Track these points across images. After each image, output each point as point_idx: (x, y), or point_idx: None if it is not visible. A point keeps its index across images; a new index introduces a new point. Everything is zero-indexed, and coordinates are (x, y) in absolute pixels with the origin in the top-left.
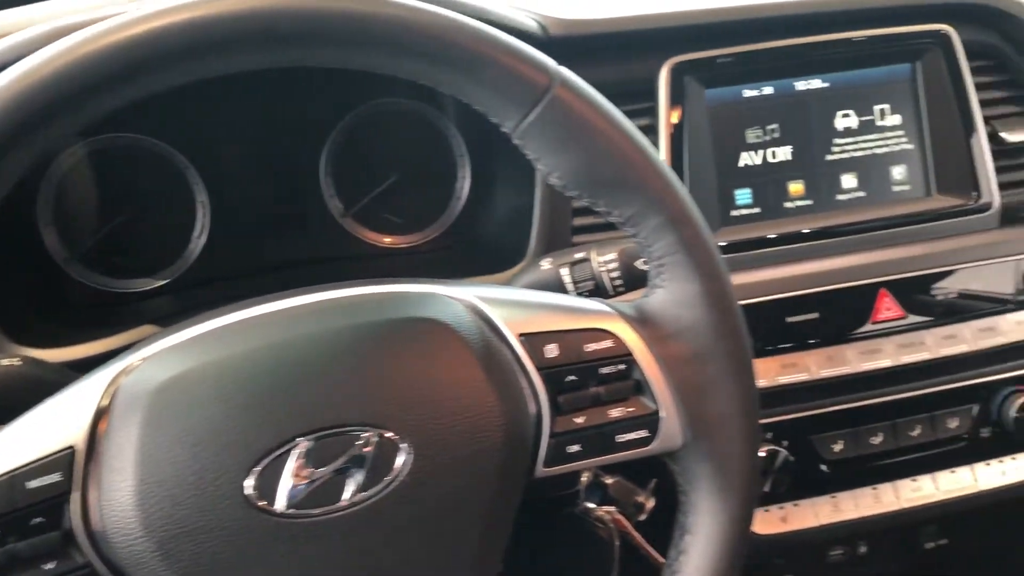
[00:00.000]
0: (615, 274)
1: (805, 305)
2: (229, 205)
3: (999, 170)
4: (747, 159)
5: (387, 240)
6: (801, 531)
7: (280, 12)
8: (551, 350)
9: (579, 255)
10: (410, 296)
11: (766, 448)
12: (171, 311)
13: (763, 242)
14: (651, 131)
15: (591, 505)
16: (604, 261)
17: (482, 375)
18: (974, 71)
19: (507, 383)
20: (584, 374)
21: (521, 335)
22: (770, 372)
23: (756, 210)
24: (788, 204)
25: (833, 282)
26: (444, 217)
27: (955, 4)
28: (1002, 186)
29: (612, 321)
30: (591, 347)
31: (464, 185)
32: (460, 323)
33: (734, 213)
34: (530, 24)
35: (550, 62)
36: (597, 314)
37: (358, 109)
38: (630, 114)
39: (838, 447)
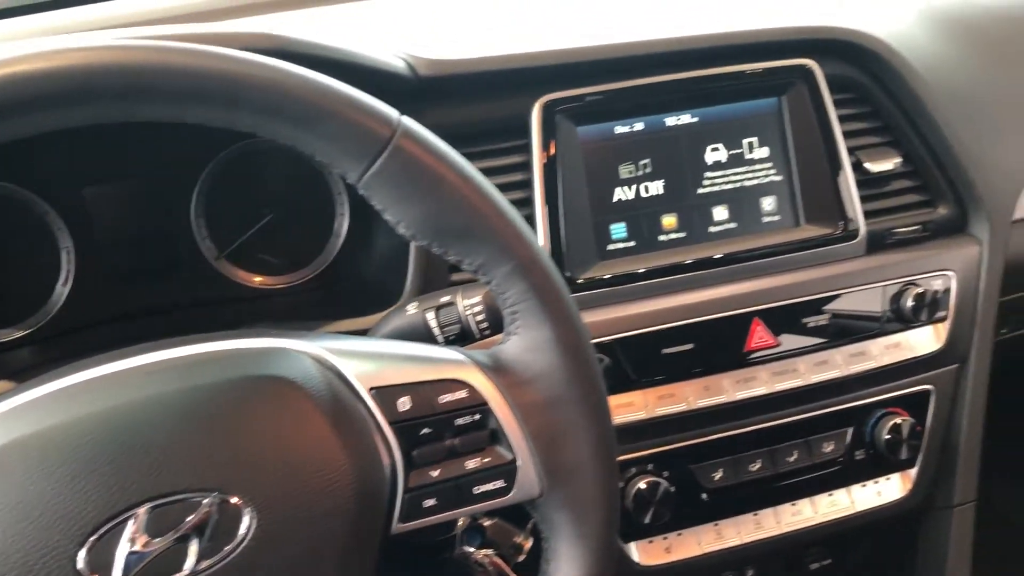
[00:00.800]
0: (480, 317)
1: (681, 336)
2: (96, 251)
3: (864, 199)
4: (621, 194)
5: (259, 280)
6: (686, 560)
7: (101, 68)
8: (404, 403)
9: (445, 299)
10: (254, 352)
11: (647, 480)
12: (34, 363)
13: (639, 275)
14: (525, 168)
15: (470, 549)
16: (470, 304)
17: (331, 433)
18: (837, 104)
19: (358, 440)
20: (439, 426)
21: (372, 389)
22: (648, 403)
23: (631, 244)
24: (662, 237)
25: (707, 313)
26: (322, 256)
27: (817, 40)
28: (867, 214)
29: (467, 370)
30: (445, 398)
31: (343, 223)
32: (308, 379)
33: (610, 247)
34: (398, 65)
35: (392, 112)
36: (451, 364)
37: (231, 147)
38: (504, 152)
39: (718, 475)
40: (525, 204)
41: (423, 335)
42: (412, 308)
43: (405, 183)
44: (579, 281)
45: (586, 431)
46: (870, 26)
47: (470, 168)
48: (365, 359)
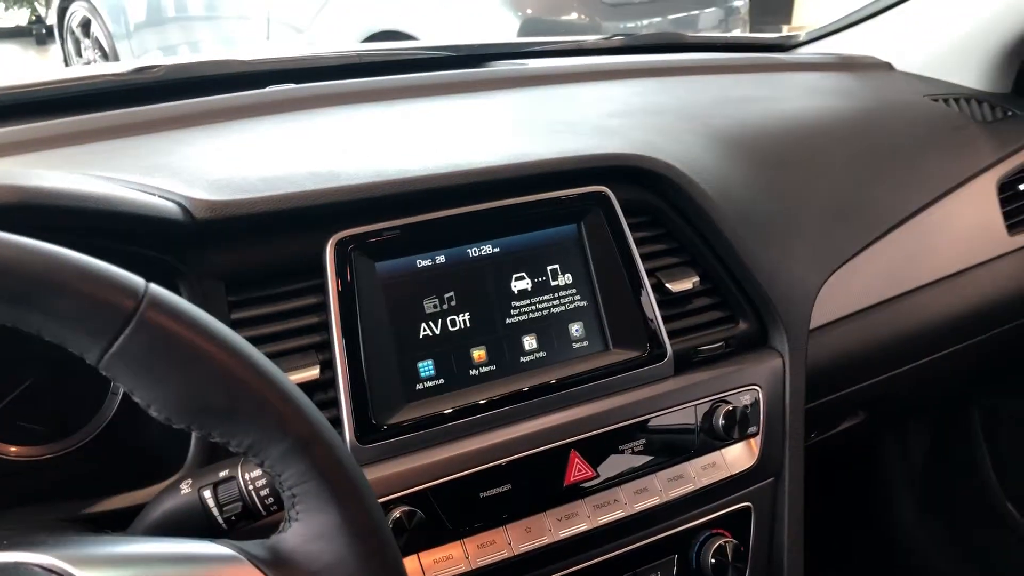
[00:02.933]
0: (265, 492)
1: (499, 477)
2: None
3: (667, 319)
4: (427, 329)
5: (16, 451)
6: None
7: None
8: None
9: (223, 472)
10: None
11: None
12: None
13: (450, 415)
14: (322, 309)
15: None
16: (253, 478)
17: None
18: (633, 227)
19: None
20: None
21: None
22: (469, 554)
23: (440, 381)
24: (472, 372)
25: (524, 449)
26: (95, 420)
27: (610, 167)
28: (672, 334)
29: (239, 569)
30: None
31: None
32: None
33: (418, 387)
34: (170, 208)
35: (136, 281)
36: (221, 562)
37: None
38: (297, 293)
39: None
40: (323, 348)
41: (200, 517)
42: (185, 487)
43: (154, 361)
44: (385, 427)
45: None
46: (658, 151)
47: (232, 337)
48: (114, 568)
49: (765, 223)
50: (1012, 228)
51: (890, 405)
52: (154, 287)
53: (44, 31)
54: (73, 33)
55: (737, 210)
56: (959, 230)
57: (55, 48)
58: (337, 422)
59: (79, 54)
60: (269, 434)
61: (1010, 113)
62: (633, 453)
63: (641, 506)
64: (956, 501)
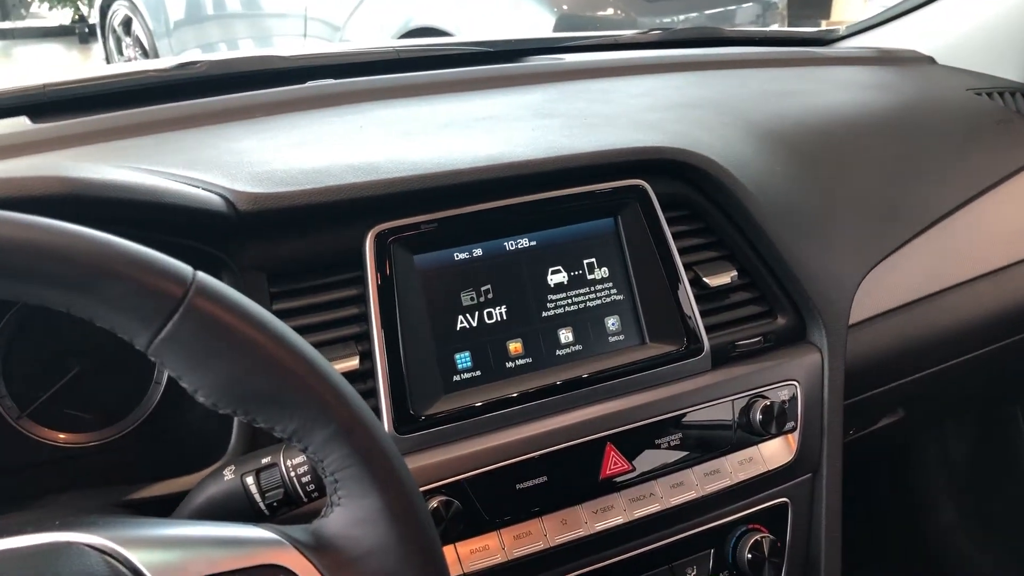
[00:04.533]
0: (307, 479)
1: (535, 469)
2: None
3: (705, 313)
4: (464, 322)
5: (65, 438)
6: None
7: None
8: None
9: (266, 459)
10: (30, 553)
11: None
12: None
13: (487, 407)
14: (361, 301)
15: None
16: (294, 464)
17: None
18: (671, 221)
19: None
20: None
21: None
22: (505, 546)
23: (477, 373)
24: (508, 364)
25: (560, 441)
26: (140, 408)
27: (647, 160)
28: (709, 328)
29: (283, 553)
30: None
31: (163, 369)
32: None
33: (456, 378)
34: (214, 201)
35: (184, 269)
36: (264, 545)
37: None
38: (337, 285)
39: None
40: (363, 339)
41: (242, 503)
42: (228, 473)
43: (201, 347)
44: (423, 418)
45: None
46: (697, 144)
47: (277, 324)
48: (162, 548)
49: (804, 218)
50: None
51: (929, 403)
52: (202, 275)
53: (87, 30)
54: (115, 31)
55: (776, 204)
56: (1002, 226)
57: (97, 47)
58: (376, 412)
59: (120, 52)
60: (313, 420)
61: None
62: (669, 447)
63: (677, 500)
64: (996, 503)
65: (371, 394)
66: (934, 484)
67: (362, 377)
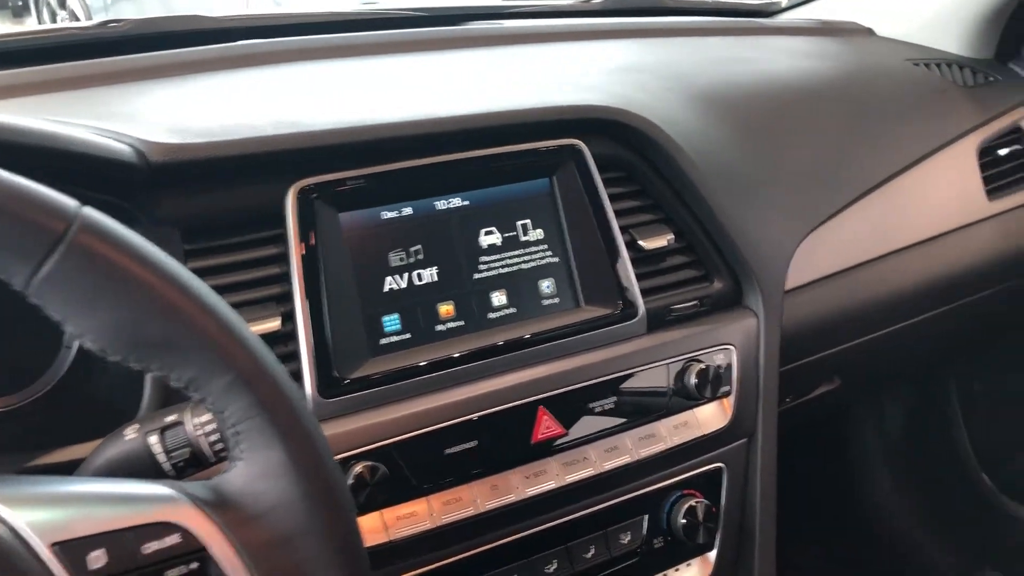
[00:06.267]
0: (214, 437)
1: (465, 433)
2: None
3: (641, 277)
4: (392, 283)
5: None
6: None
7: None
8: (96, 558)
9: (171, 418)
10: None
11: None
12: None
13: (415, 370)
14: (283, 260)
15: None
16: (201, 423)
17: None
18: (608, 182)
19: None
20: None
21: (55, 544)
22: (433, 511)
23: (406, 336)
24: (439, 327)
25: (491, 405)
26: (51, 372)
27: (584, 121)
28: (645, 292)
29: (180, 510)
30: (151, 547)
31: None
32: None
33: (383, 341)
34: (124, 151)
35: (68, 203)
36: (160, 502)
37: None
38: (260, 242)
39: None
40: (285, 300)
41: (146, 464)
42: (131, 432)
43: (87, 287)
44: (348, 381)
45: (336, 568)
46: (636, 106)
47: (172, 264)
48: (47, 506)
49: (742, 183)
50: (991, 193)
51: (865, 371)
52: (88, 210)
53: (20, 2)
54: (49, 4)
55: (715, 168)
56: (938, 194)
57: (31, 21)
58: (298, 375)
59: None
60: (210, 367)
61: (991, 78)
62: (604, 412)
63: (611, 465)
64: (931, 472)
65: (293, 357)
66: (871, 455)
67: (283, 339)
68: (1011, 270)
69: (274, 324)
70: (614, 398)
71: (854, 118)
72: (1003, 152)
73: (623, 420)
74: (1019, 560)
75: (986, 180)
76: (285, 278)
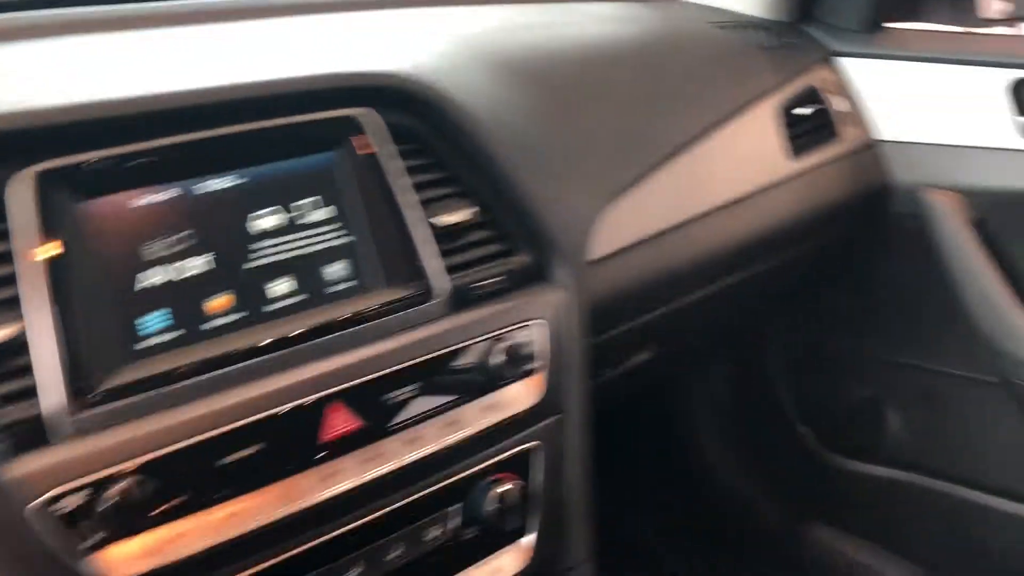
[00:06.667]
0: None
1: (244, 439)
2: None
3: (442, 254)
4: (153, 277)
5: None
6: None
7: None
8: None
9: None
10: None
11: None
12: None
13: (182, 373)
14: (7, 260)
15: None
16: None
17: None
18: (400, 155)
19: None
20: None
21: None
22: (214, 527)
23: (171, 336)
24: (211, 323)
25: (275, 405)
26: None
27: (369, 88)
28: (449, 269)
29: None
30: None
31: None
32: None
33: (142, 345)
34: None
35: None
36: None
37: None
38: None
39: None
40: (11, 305)
41: None
42: None
43: None
44: (99, 393)
45: None
46: (425, 72)
47: None
48: None
49: (543, 151)
50: (794, 152)
51: (681, 338)
52: None
53: None
54: None
55: (514, 138)
56: (743, 155)
57: None
58: (30, 391)
59: None
60: None
61: (791, 40)
62: (404, 401)
63: (414, 456)
64: (758, 431)
65: (26, 371)
66: (700, 418)
67: (14, 351)
68: (816, 227)
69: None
70: (415, 386)
71: (657, 82)
72: (802, 112)
73: (426, 408)
74: (845, 509)
75: (788, 139)
76: (11, 281)
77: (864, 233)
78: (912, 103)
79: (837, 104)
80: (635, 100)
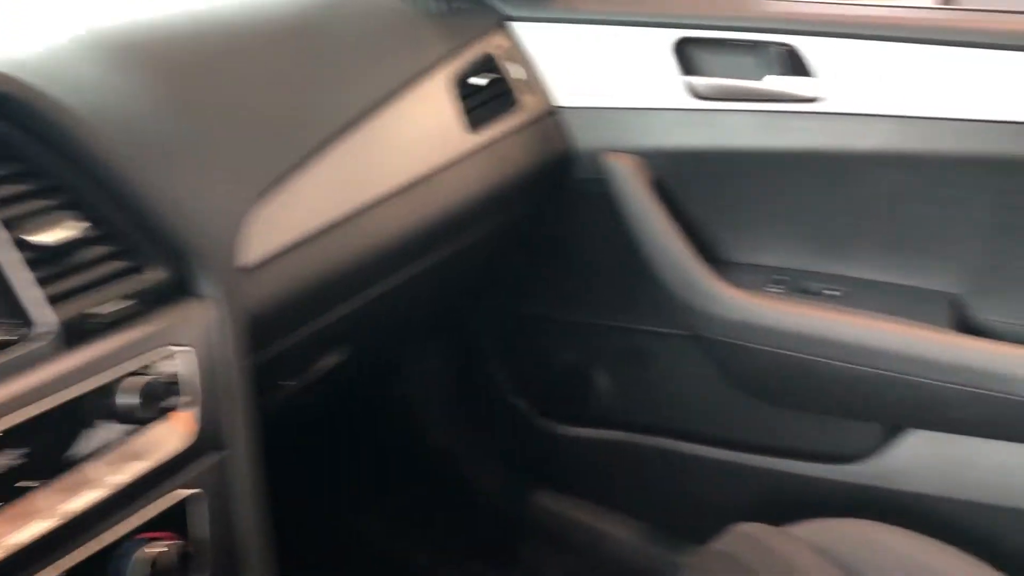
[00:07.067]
0: None
1: None
2: None
3: (44, 281)
4: None
5: None
6: None
7: None
8: None
9: None
10: None
11: None
12: None
13: None
14: None
15: None
16: None
17: None
18: None
19: None
20: None
21: None
22: None
23: None
24: None
25: None
26: None
27: None
28: (54, 300)
29: None
30: None
31: None
32: None
33: None
34: None
35: None
36: None
37: None
38: None
39: None
40: None
41: None
42: None
43: None
44: None
45: None
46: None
47: None
48: None
49: (173, 147)
50: (472, 125)
51: (375, 333)
52: None
53: None
54: None
55: (129, 134)
56: (416, 133)
57: None
58: None
59: None
60: None
61: (462, 5)
62: (18, 466)
63: (23, 537)
64: (479, 408)
65: None
66: (424, 404)
67: None
68: (503, 201)
69: None
70: (20, 451)
71: (316, 58)
72: (478, 82)
73: (38, 475)
74: (565, 474)
75: (464, 112)
76: None
77: (552, 202)
78: (587, 67)
79: (514, 72)
80: (288, 79)
